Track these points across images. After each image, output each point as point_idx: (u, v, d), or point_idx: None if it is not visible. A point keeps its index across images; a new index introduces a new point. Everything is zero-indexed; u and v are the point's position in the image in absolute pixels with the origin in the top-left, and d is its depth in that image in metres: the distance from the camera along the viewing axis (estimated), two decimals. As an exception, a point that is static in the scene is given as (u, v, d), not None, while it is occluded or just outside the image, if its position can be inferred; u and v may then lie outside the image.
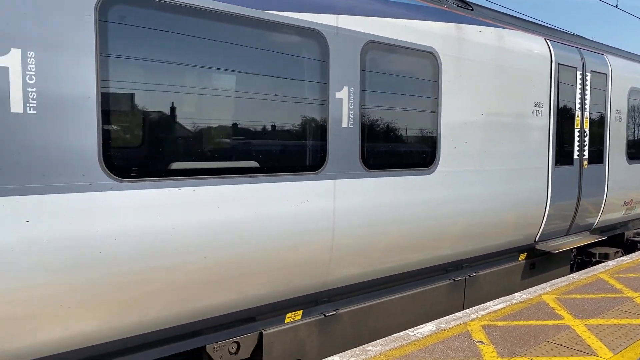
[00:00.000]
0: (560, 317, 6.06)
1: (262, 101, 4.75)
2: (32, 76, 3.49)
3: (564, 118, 8.50)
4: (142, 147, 4.07)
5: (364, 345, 5.18)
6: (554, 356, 4.97)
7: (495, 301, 6.67)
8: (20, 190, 3.47)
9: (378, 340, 5.32)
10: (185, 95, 4.30)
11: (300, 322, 5.50)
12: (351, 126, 5.42)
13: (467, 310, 6.28)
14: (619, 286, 7.41)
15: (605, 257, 10.09)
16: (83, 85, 3.70)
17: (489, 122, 7.03)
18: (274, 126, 4.88)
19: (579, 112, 8.84)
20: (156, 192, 4.09)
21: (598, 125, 9.38)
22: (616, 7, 17.45)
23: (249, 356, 5.17)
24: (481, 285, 7.58)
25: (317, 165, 5.18)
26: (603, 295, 6.97)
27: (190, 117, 4.34)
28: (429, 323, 5.84)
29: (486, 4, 7.84)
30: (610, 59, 9.77)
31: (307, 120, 5.09)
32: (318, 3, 5.11)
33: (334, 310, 5.79)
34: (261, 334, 5.19)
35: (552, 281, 7.69)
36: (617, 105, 9.83)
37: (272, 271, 4.96)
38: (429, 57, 6.21)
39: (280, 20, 4.80)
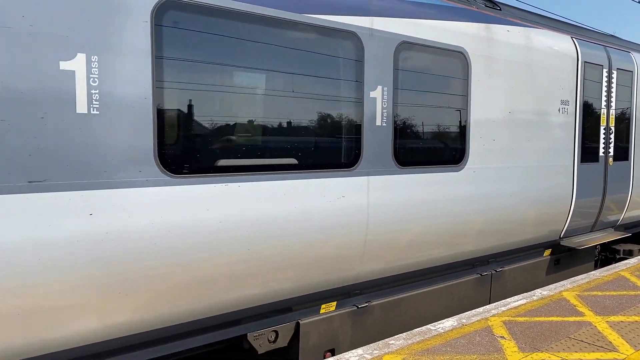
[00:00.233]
0: (581, 314, 6.14)
1: (302, 101, 4.96)
2: (95, 79, 3.74)
3: (589, 115, 8.58)
4: (193, 145, 4.32)
5: (387, 339, 5.35)
6: (576, 352, 5.05)
7: (516, 297, 6.78)
8: (85, 185, 3.73)
9: (400, 335, 5.48)
10: (231, 96, 4.53)
11: (335, 313, 5.72)
12: (384, 124, 5.61)
13: (487, 306, 6.41)
14: (640, 283, 7.50)
15: (630, 254, 10.14)
16: (140, 87, 3.95)
17: (516, 120, 7.17)
18: (312, 125, 5.09)
19: (605, 110, 8.91)
20: (205, 187, 4.33)
21: (623, 123, 9.44)
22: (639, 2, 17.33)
23: (286, 344, 5.40)
24: (507, 280, 7.73)
25: (352, 162, 5.38)
26: (624, 292, 7.05)
27: (235, 116, 4.56)
28: (450, 318, 5.98)
29: (514, 3, 7.93)
30: (636, 56, 9.80)
31: (343, 119, 5.29)
32: (354, 6, 5.30)
33: (366, 302, 6.00)
34: (298, 324, 5.41)
35: (572, 278, 7.78)
36: None
37: (309, 263, 5.18)
38: (459, 57, 6.37)
39: (320, 23, 5.00)
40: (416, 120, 5.97)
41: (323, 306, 5.66)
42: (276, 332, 5.29)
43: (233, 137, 4.56)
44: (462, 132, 6.47)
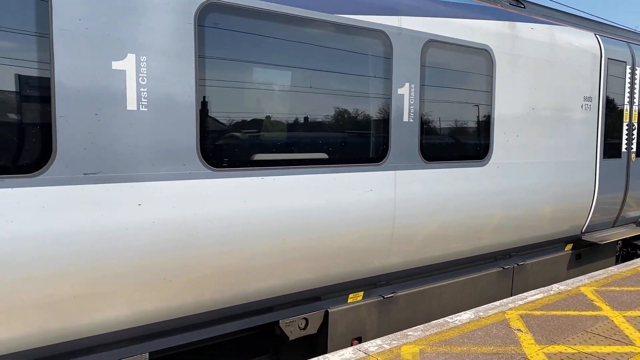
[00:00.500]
0: (599, 309, 6.20)
1: (333, 98, 5.16)
2: (144, 78, 3.99)
3: (612, 112, 8.65)
4: (231, 140, 4.55)
5: (405, 330, 5.51)
6: (592, 345, 5.14)
7: (533, 292, 6.87)
8: (134, 177, 3.98)
9: (418, 326, 5.63)
10: (267, 94, 4.75)
11: (362, 303, 5.93)
12: (411, 120, 5.78)
13: (504, 300, 6.52)
14: (660, 279, 7.54)
15: (651, 250, 10.17)
16: (184, 85, 4.19)
17: (539, 116, 7.28)
18: (342, 121, 5.29)
19: (628, 106, 8.96)
20: (242, 180, 4.57)
21: None
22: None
23: (315, 331, 5.63)
24: (528, 273, 7.86)
25: (380, 156, 5.57)
26: (643, 288, 7.11)
27: (270, 113, 4.79)
28: (467, 311, 6.10)
29: (538, 1, 8.02)
30: (660, 52, 9.80)
31: (372, 115, 5.48)
32: (383, 6, 5.48)
33: (392, 293, 6.20)
34: (327, 312, 5.63)
35: (590, 273, 7.85)
36: None
37: (339, 254, 5.39)
38: (484, 54, 6.51)
39: (350, 23, 5.19)
40: (442, 117, 6.14)
41: (351, 296, 5.87)
42: (306, 319, 5.52)
43: (268, 133, 4.78)
44: (487, 128, 6.61)
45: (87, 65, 3.75)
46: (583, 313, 6.06)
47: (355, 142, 5.39)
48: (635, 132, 9.16)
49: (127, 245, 3.99)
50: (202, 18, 4.25)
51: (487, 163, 6.61)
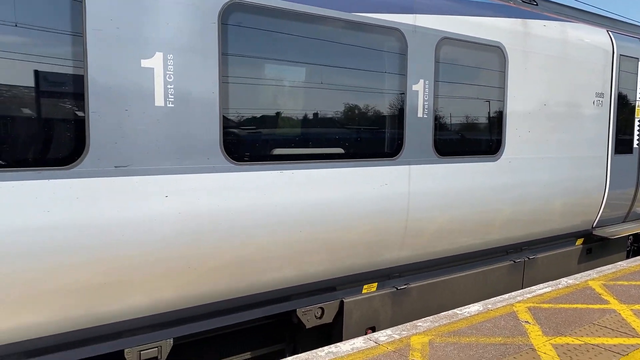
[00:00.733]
0: (606, 302, 6.29)
1: (350, 94, 5.32)
2: (171, 75, 4.17)
3: (624, 108, 8.72)
4: (253, 135, 4.73)
5: (415, 321, 5.65)
6: (599, 337, 5.24)
7: (542, 285, 6.98)
8: (161, 170, 4.18)
9: (427, 317, 5.77)
10: (286, 90, 4.92)
11: (375, 294, 6.10)
12: (425, 116, 5.93)
13: (513, 293, 6.64)
14: (668, 274, 7.61)
15: (662, 245, 10.24)
16: (208, 82, 4.37)
17: (551, 112, 7.39)
18: (358, 116, 5.45)
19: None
20: (263, 174, 4.75)
21: None
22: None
23: (331, 321, 5.81)
24: (539, 267, 7.99)
25: (395, 151, 5.73)
26: (650, 282, 7.17)
27: (289, 109, 4.96)
28: (476, 303, 6.22)
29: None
30: (673, 48, 9.83)
31: (387, 111, 5.63)
32: (399, 4, 5.62)
33: (405, 285, 6.36)
34: (342, 302, 5.82)
35: (599, 268, 7.93)
36: None
37: (354, 246, 5.56)
38: (497, 51, 6.63)
39: (367, 21, 5.34)
40: (455, 112, 6.28)
41: (365, 287, 6.04)
42: (322, 309, 5.70)
43: (287, 129, 4.95)
44: (499, 123, 6.74)
45: (118, 64, 3.94)
46: (591, 306, 6.16)
47: (370, 137, 5.55)
48: (647, 128, 9.22)
49: (154, 234, 4.19)
50: (225, 17, 4.43)
51: (499, 158, 6.74)
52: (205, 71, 4.34)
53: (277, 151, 4.90)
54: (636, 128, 9.00)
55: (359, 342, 5.05)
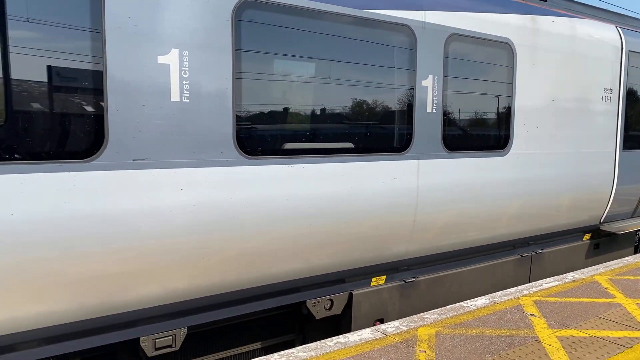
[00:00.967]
0: (612, 296, 6.35)
1: (360, 90, 5.42)
2: (186, 71, 4.29)
3: (633, 103, 8.75)
4: (265, 130, 4.84)
5: (422, 314, 5.75)
6: (603, 330, 5.32)
7: (548, 279, 7.04)
8: (177, 163, 4.30)
9: (435, 310, 5.87)
10: (298, 86, 5.03)
11: (384, 286, 6.21)
12: (434, 111, 6.01)
13: (519, 287, 6.73)
14: (675, 269, 7.65)
15: (670, 241, 10.25)
16: (222, 78, 4.48)
17: (559, 107, 7.45)
18: (368, 112, 5.54)
19: None
20: (275, 167, 4.86)
21: None
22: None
23: (340, 312, 5.93)
24: (546, 262, 8.06)
25: (404, 146, 5.82)
26: (657, 277, 7.22)
27: (301, 104, 5.06)
28: (482, 297, 6.31)
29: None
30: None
31: (397, 106, 5.72)
32: (409, 1, 5.70)
33: (413, 278, 6.47)
34: (351, 294, 5.93)
35: (605, 263, 7.98)
36: None
37: (363, 239, 5.67)
38: (505, 48, 6.69)
39: (377, 17, 5.43)
40: (464, 108, 6.35)
41: (374, 279, 6.15)
42: (331, 300, 5.82)
43: (299, 124, 5.06)
44: (507, 119, 6.81)
45: (135, 60, 4.06)
46: (596, 300, 6.23)
47: (380, 132, 5.65)
48: (655, 124, 9.24)
49: (170, 226, 4.32)
50: (239, 14, 4.53)
51: (507, 153, 6.82)
52: (219, 67, 4.45)
53: (289, 145, 5.00)
54: (645, 124, 9.02)
55: (367, 333, 5.16)
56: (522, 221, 7.28)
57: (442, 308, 5.92)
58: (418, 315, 5.70)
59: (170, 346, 4.73)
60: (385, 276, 6.24)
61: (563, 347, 4.91)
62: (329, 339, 4.98)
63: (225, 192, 4.57)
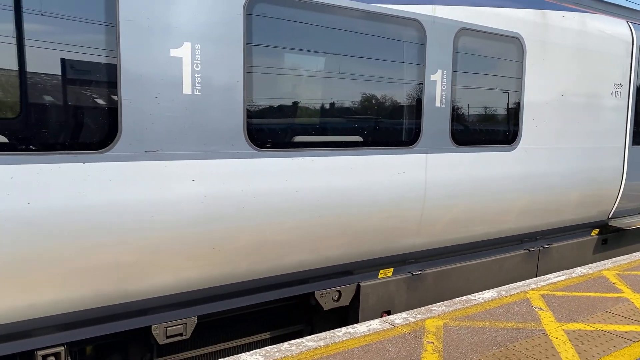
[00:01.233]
0: (620, 291, 6.36)
1: (369, 84, 5.46)
2: (198, 64, 4.35)
3: None
4: (275, 123, 4.90)
5: (430, 306, 5.80)
6: (610, 324, 5.34)
7: (556, 274, 7.06)
8: (189, 155, 4.38)
9: (442, 302, 5.91)
10: (308, 79, 5.08)
11: (391, 279, 6.27)
12: (443, 105, 6.04)
13: (527, 281, 6.75)
14: (683, 265, 7.65)
15: (679, 237, 10.22)
16: (233, 71, 4.54)
17: (568, 102, 7.44)
18: (377, 105, 5.58)
19: None
20: (285, 160, 4.92)
21: None
22: None
23: (348, 303, 6.00)
24: (554, 257, 8.08)
25: (412, 140, 5.86)
26: (666, 273, 7.23)
27: (311, 98, 5.11)
28: (490, 290, 6.35)
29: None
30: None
31: (405, 100, 5.76)
32: None
33: (420, 270, 6.52)
34: (359, 286, 5.99)
35: (613, 258, 7.99)
36: None
37: (371, 232, 5.72)
38: (515, 42, 6.70)
39: (387, 12, 5.46)
40: (472, 102, 6.38)
41: (381, 271, 6.21)
42: (339, 292, 5.89)
43: (308, 117, 5.11)
44: (516, 114, 6.82)
45: (148, 53, 4.13)
46: (604, 295, 6.25)
47: (389, 126, 5.69)
48: (666, 119, 9.20)
49: (182, 217, 4.40)
50: (250, 8, 4.59)
51: (515, 148, 6.83)
52: (231, 60, 4.51)
53: (298, 138, 5.06)
54: (655, 119, 8.99)
55: (375, 324, 5.22)
56: (530, 216, 7.30)
57: (450, 300, 5.97)
58: (426, 307, 5.75)
59: (180, 334, 4.82)
60: (392, 269, 6.30)
61: (570, 340, 4.95)
62: (337, 329, 5.05)
63: (236, 184, 4.64)
